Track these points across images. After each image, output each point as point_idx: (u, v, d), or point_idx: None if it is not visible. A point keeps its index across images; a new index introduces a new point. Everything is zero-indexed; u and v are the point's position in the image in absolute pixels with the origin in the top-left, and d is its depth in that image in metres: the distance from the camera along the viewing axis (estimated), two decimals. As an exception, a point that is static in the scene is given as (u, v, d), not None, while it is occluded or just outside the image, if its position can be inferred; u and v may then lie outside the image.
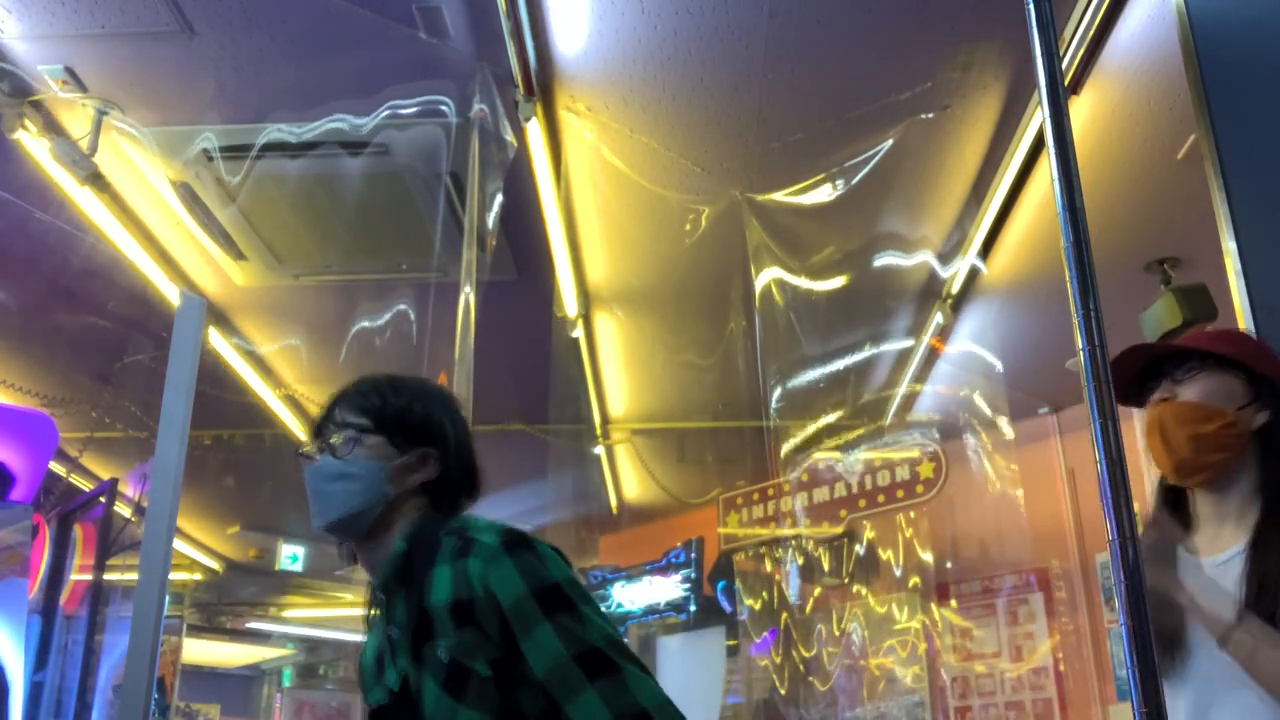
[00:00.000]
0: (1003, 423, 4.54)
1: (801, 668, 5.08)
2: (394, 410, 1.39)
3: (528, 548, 1.28)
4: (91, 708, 2.91)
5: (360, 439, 1.37)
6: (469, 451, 1.44)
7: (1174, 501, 1.64)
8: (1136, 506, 1.14)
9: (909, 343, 4.49)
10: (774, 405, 4.09)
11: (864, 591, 5.20)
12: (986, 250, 3.79)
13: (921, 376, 4.73)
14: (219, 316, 4.20)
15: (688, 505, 5.96)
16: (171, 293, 3.77)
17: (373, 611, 1.39)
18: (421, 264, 3.66)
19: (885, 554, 5.23)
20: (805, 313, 3.78)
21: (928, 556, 5.10)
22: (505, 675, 1.23)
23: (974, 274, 3.89)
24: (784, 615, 5.19)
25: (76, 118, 3.06)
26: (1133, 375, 1.65)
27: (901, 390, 4.89)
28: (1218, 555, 1.55)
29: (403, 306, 3.84)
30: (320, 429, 1.42)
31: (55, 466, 4.05)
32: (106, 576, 3.03)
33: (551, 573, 1.27)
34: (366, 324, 3.98)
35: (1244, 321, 1.73)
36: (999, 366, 4.43)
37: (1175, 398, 1.58)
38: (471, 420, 1.66)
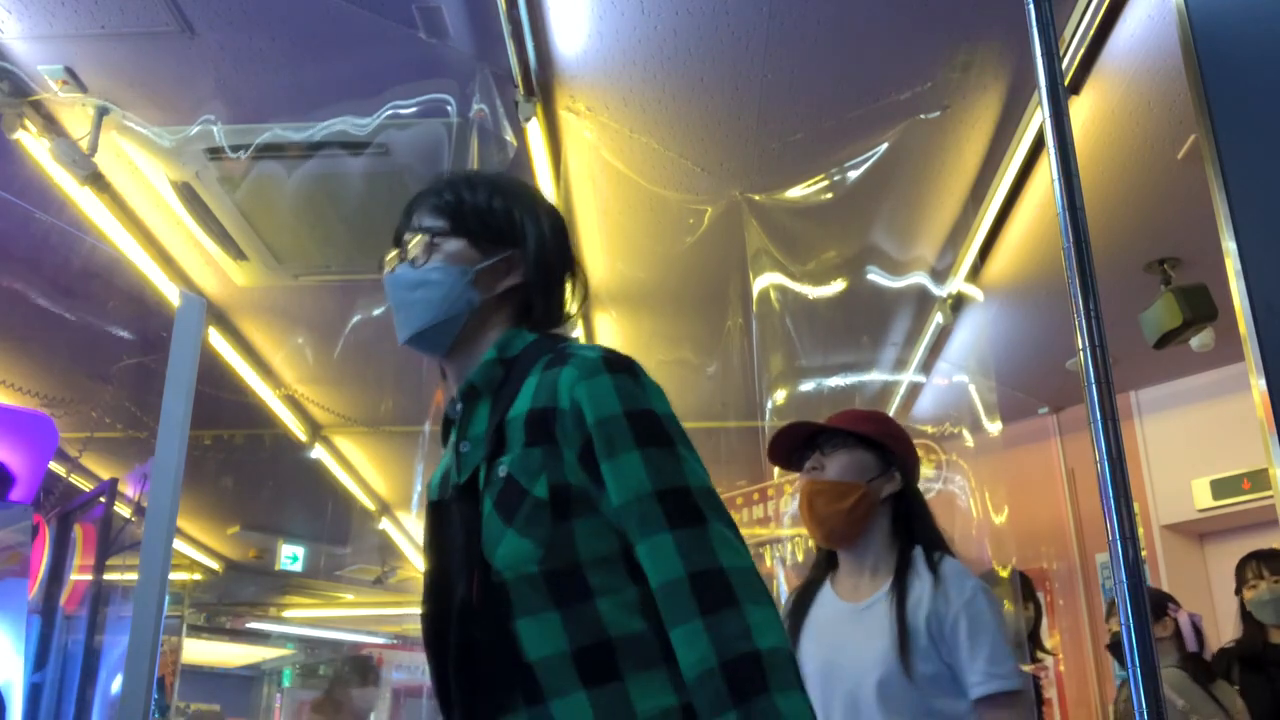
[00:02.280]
0: (998, 422, 4.53)
1: (801, 668, 5.07)
2: (472, 208, 1.27)
3: (632, 372, 1.14)
4: (91, 708, 2.91)
5: (438, 244, 1.25)
6: (558, 253, 1.30)
7: (827, 556, 1.98)
8: (1136, 506, 1.15)
9: (908, 343, 4.49)
10: (772, 405, 4.09)
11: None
12: (986, 250, 3.79)
13: (921, 376, 4.73)
14: (219, 316, 4.20)
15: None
16: (171, 293, 3.77)
17: (449, 424, 1.26)
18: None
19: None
20: (805, 313, 3.78)
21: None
22: (565, 503, 1.09)
23: (974, 274, 3.89)
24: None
25: (76, 118, 3.06)
26: (789, 448, 1.97)
27: (901, 390, 4.89)
28: (859, 603, 1.85)
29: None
30: (399, 238, 1.30)
31: (55, 466, 4.05)
32: (106, 576, 3.03)
33: (653, 402, 1.13)
34: (366, 324, 3.98)
35: (1244, 321, 1.73)
36: (995, 366, 4.43)
37: (822, 469, 1.90)
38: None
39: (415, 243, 1.26)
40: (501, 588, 1.09)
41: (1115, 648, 2.99)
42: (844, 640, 1.84)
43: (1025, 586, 3.45)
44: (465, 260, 1.25)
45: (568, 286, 1.31)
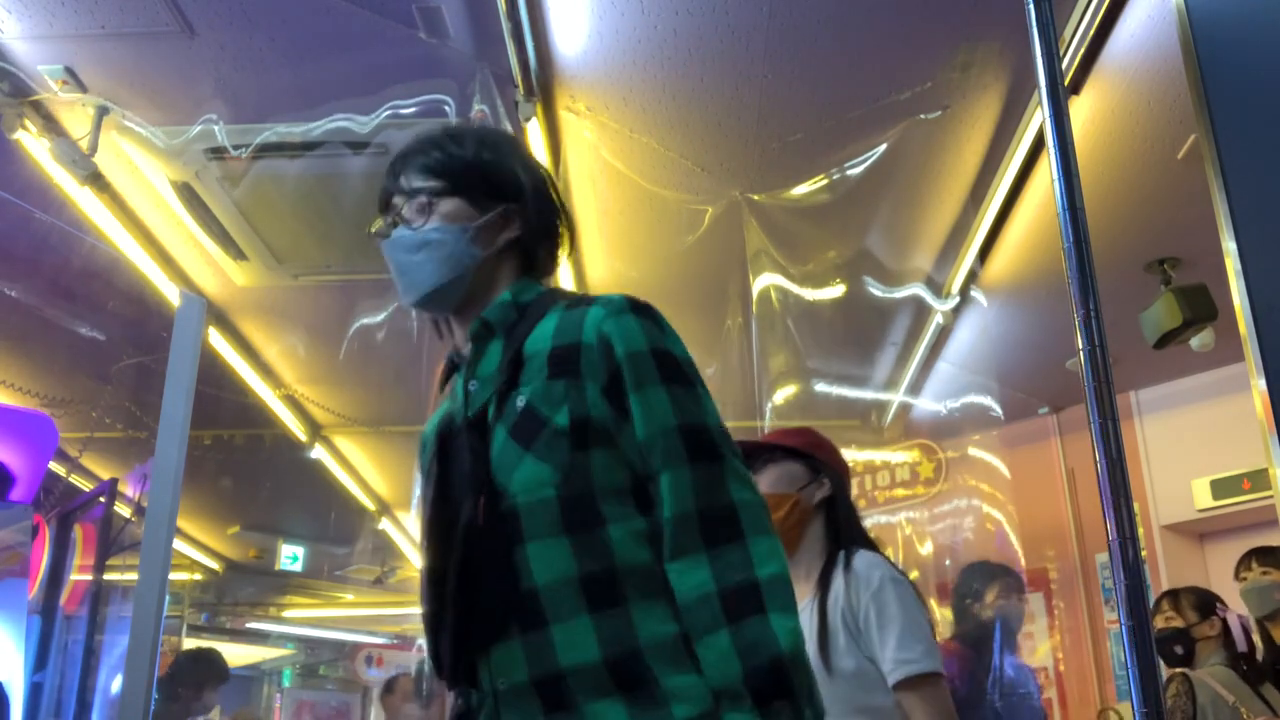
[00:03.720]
0: (999, 422, 4.54)
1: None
2: (462, 164, 1.26)
3: (655, 316, 1.19)
4: (91, 708, 2.91)
5: (433, 203, 1.24)
6: (550, 199, 1.31)
7: None
8: (1136, 506, 1.15)
9: (909, 343, 4.49)
10: (772, 406, 4.09)
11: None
12: (986, 251, 3.79)
13: (921, 377, 4.73)
14: (219, 316, 4.20)
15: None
16: (171, 293, 3.77)
17: (453, 368, 1.27)
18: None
19: (885, 553, 5.23)
20: (805, 313, 3.78)
21: (928, 554, 5.10)
22: (584, 434, 1.12)
23: (973, 274, 3.89)
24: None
25: (76, 118, 3.06)
26: None
27: (901, 391, 4.89)
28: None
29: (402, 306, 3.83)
30: (387, 202, 1.29)
31: (55, 466, 4.05)
32: (106, 576, 3.03)
33: (675, 346, 1.17)
34: (366, 323, 3.98)
35: (1244, 321, 1.73)
36: (995, 367, 4.43)
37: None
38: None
39: (410, 205, 1.25)
40: (512, 514, 1.10)
41: (1161, 643, 2.98)
42: None
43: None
44: (463, 218, 1.25)
45: (560, 230, 1.33)
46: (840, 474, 2.00)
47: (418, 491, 1.28)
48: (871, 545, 1.94)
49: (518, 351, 1.18)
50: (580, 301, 1.20)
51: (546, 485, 1.10)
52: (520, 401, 1.14)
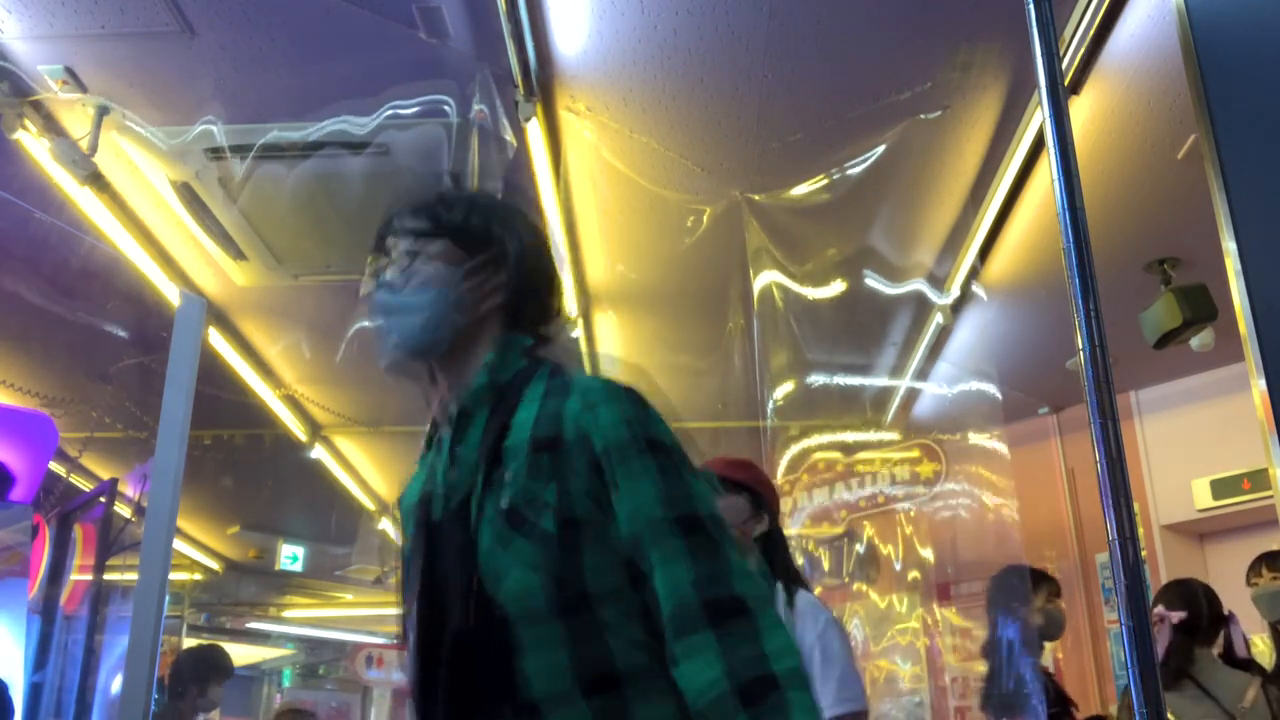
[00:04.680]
0: (999, 422, 4.53)
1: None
2: (450, 216, 1.26)
3: (635, 399, 1.14)
4: (91, 708, 2.91)
5: (420, 255, 1.23)
6: (538, 260, 1.28)
7: None
8: (1136, 506, 1.15)
9: (909, 343, 4.49)
10: (773, 405, 4.09)
11: (864, 590, 5.20)
12: (986, 251, 3.79)
13: (921, 377, 4.73)
14: (219, 316, 4.20)
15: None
16: (171, 293, 3.77)
17: (436, 440, 1.24)
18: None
19: (885, 553, 5.23)
20: (805, 313, 3.78)
21: (928, 554, 5.10)
22: (573, 535, 1.07)
23: (974, 274, 3.89)
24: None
25: (76, 118, 3.06)
26: None
27: (901, 391, 4.89)
28: None
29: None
30: (380, 246, 1.28)
31: (55, 466, 4.05)
32: (106, 576, 3.03)
33: (659, 431, 1.12)
34: (366, 324, 3.98)
35: (1244, 321, 1.73)
36: (995, 367, 4.43)
37: None
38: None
39: (397, 257, 1.25)
40: (504, 622, 1.06)
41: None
42: None
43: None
44: (451, 259, 1.23)
45: (552, 288, 1.30)
46: (775, 512, 2.10)
47: (402, 572, 1.25)
48: (805, 583, 2.07)
49: (497, 444, 1.13)
50: (561, 389, 1.15)
51: (536, 595, 1.06)
52: (504, 503, 1.09)
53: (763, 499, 2.06)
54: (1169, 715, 2.99)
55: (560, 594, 1.06)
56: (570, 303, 4.02)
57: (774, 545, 2.06)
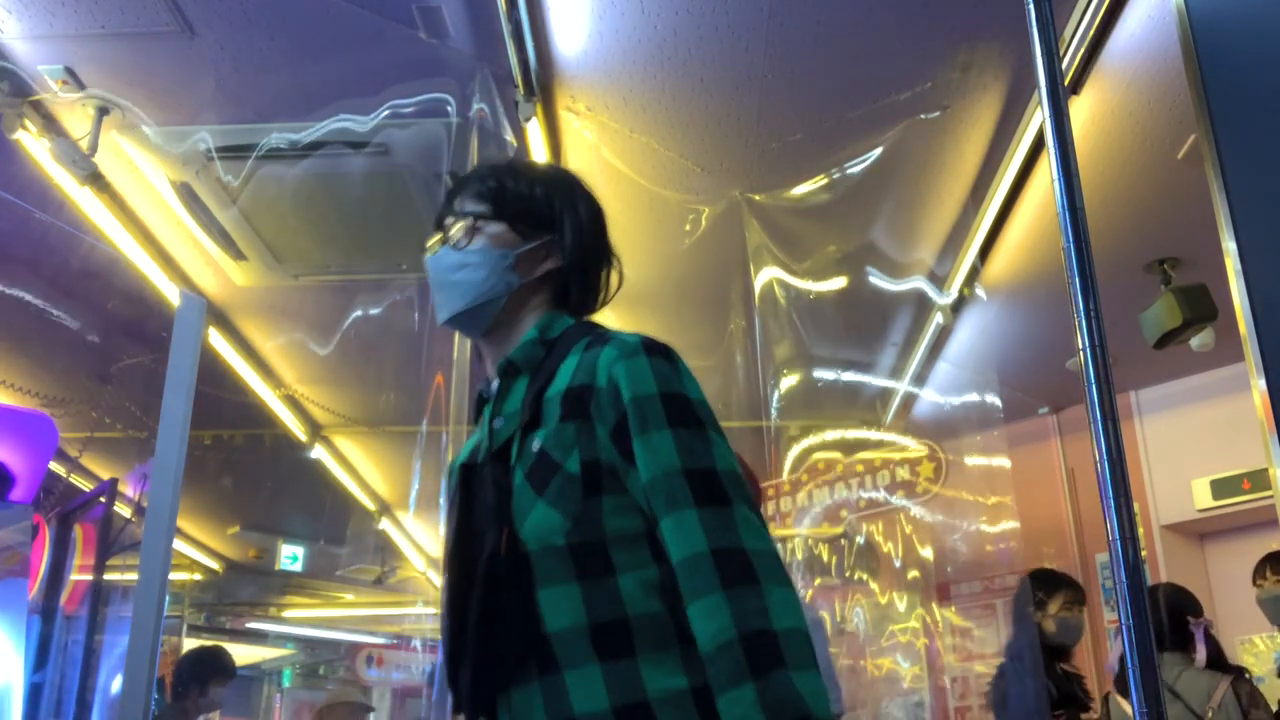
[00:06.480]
0: (999, 422, 4.53)
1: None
2: (514, 194, 1.30)
3: (669, 356, 1.18)
4: (91, 708, 2.91)
5: (480, 227, 1.29)
6: (595, 240, 1.33)
7: None
8: (1136, 506, 1.15)
9: (909, 343, 4.49)
10: (774, 405, 4.09)
11: (864, 590, 5.20)
12: (986, 251, 3.79)
13: (922, 377, 4.73)
14: (219, 316, 4.20)
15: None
16: (171, 293, 3.77)
17: (483, 401, 1.29)
18: (421, 264, 3.65)
19: (885, 553, 5.23)
20: (805, 313, 3.78)
21: (928, 554, 5.10)
22: (595, 479, 1.12)
23: (974, 274, 3.89)
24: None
25: (76, 118, 3.06)
26: None
27: (902, 391, 4.89)
28: None
29: (402, 306, 3.84)
30: (440, 222, 1.34)
31: (55, 466, 4.05)
32: (106, 576, 3.03)
33: (688, 387, 1.16)
34: (366, 323, 3.98)
35: (1244, 321, 1.73)
36: (995, 367, 4.43)
37: None
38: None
39: (458, 226, 1.30)
40: (526, 558, 1.10)
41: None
42: None
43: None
44: (506, 244, 1.28)
45: (603, 275, 1.35)
46: (758, 504, 2.09)
47: (442, 520, 1.29)
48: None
49: (540, 392, 1.19)
50: (600, 340, 1.20)
51: (556, 534, 1.10)
52: (535, 445, 1.15)
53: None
54: (1126, 713, 3.01)
55: (578, 533, 1.10)
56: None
57: None
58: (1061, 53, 2.82)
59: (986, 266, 3.88)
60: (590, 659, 1.07)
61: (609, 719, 1.05)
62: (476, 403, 1.31)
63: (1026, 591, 3.32)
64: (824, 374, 4.37)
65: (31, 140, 3.05)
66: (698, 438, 1.12)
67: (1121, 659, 2.99)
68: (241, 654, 9.01)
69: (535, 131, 3.07)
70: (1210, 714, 2.86)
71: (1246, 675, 3.04)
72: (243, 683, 9.61)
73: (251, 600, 8.30)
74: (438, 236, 1.33)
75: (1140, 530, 4.40)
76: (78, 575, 3.13)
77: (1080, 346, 1.30)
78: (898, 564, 5.19)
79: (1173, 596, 3.17)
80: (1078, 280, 1.33)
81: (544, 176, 1.35)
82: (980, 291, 4.01)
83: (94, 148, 3.07)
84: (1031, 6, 1.46)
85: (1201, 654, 3.00)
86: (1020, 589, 3.42)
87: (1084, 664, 4.90)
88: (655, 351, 1.17)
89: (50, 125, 3.07)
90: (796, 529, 5.26)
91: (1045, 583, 3.29)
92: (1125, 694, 3.11)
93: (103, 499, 3.09)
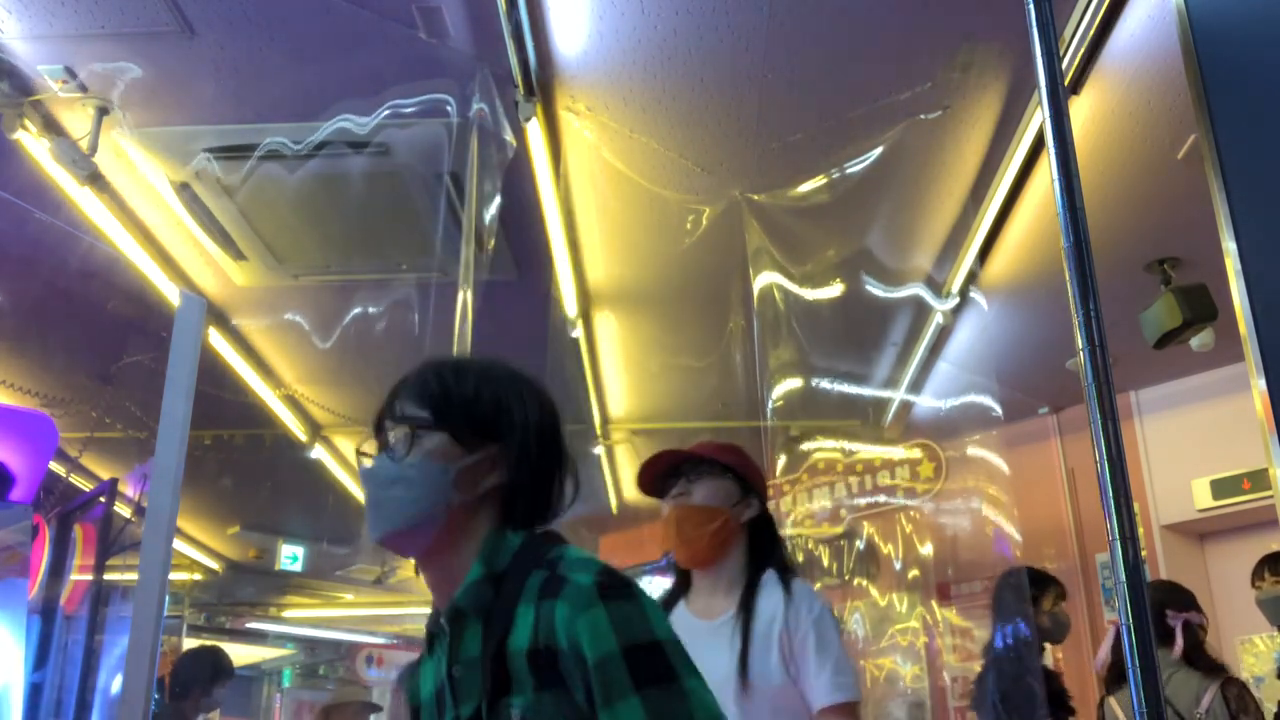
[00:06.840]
0: (999, 422, 4.54)
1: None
2: (459, 400, 1.19)
3: (627, 596, 1.09)
4: (91, 708, 2.91)
5: (419, 437, 1.17)
6: (548, 447, 1.22)
7: (683, 575, 2.11)
8: (1136, 506, 1.15)
9: (909, 343, 4.49)
10: (773, 405, 4.09)
11: (864, 590, 5.20)
12: (986, 251, 3.79)
13: (921, 377, 4.73)
14: (219, 316, 4.20)
15: (688, 505, 5.93)
16: (171, 293, 3.77)
17: (435, 637, 1.21)
18: (421, 264, 3.66)
19: (885, 553, 5.23)
20: (805, 313, 3.78)
21: (927, 553, 5.10)
22: None
23: (973, 274, 3.89)
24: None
25: (76, 118, 3.06)
26: (657, 474, 2.08)
27: (901, 391, 4.89)
28: (712, 620, 1.97)
29: (402, 307, 3.84)
30: (380, 424, 1.22)
31: (55, 466, 4.05)
32: (106, 576, 3.03)
33: (654, 629, 1.08)
34: (366, 324, 3.98)
35: (1244, 322, 1.73)
36: (995, 367, 4.43)
37: (689, 494, 2.02)
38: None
39: (395, 434, 1.19)
40: None
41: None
42: (695, 656, 1.98)
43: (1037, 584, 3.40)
44: (446, 457, 1.17)
45: (554, 486, 1.23)
46: (764, 498, 2.09)
47: None
48: (795, 570, 2.05)
49: (500, 648, 1.10)
50: (554, 585, 1.10)
51: None
52: (515, 714, 1.07)
53: (751, 483, 2.06)
54: (1119, 715, 3.01)
55: None
56: (570, 303, 4.02)
57: (764, 529, 2.06)
58: (1061, 53, 2.82)
59: (986, 266, 3.88)
60: None
61: None
62: (427, 634, 1.23)
63: (1007, 591, 3.36)
64: (823, 374, 4.37)
65: (31, 140, 3.05)
66: (671, 696, 1.05)
67: (1116, 654, 2.99)
68: (241, 654, 9.01)
69: (535, 131, 3.07)
70: (1199, 718, 2.85)
71: (1232, 675, 3.03)
72: (243, 683, 9.61)
73: (251, 600, 8.29)
74: (373, 443, 1.22)
75: (1140, 530, 4.40)
76: (78, 575, 3.13)
77: (1080, 346, 1.30)
78: (897, 564, 5.19)
79: (1155, 593, 3.17)
80: (1077, 280, 1.33)
81: (493, 375, 1.24)
82: (980, 291, 4.01)
83: (94, 148, 3.07)
84: (1031, 6, 1.46)
85: (1178, 648, 2.99)
86: (997, 590, 3.44)
87: (1085, 664, 4.91)
88: (611, 594, 1.08)
89: (50, 125, 3.07)
90: (797, 529, 5.26)
91: (1034, 580, 3.33)
92: (1114, 692, 3.11)
93: (103, 499, 3.09)
